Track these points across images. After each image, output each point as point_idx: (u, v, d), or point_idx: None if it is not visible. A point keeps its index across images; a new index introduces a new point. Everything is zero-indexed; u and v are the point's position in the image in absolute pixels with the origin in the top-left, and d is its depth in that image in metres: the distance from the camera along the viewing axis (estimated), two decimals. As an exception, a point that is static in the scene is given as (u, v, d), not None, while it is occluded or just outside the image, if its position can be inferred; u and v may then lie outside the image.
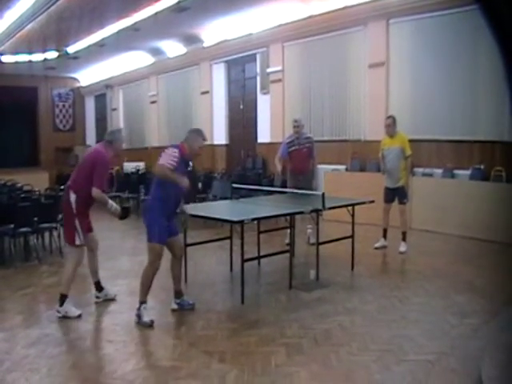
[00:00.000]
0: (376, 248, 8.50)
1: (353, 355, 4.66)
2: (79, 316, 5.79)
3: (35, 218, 8.56)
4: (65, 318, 5.74)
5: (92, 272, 6.43)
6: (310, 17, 13.45)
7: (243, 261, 6.11)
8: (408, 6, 11.33)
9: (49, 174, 20.10)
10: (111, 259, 8.57)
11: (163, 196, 5.55)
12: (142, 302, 5.61)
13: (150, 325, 5.47)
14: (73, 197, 5.79)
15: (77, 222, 5.83)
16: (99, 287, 6.44)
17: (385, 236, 8.81)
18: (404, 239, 8.63)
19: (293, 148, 8.96)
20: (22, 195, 10.21)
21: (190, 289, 6.90)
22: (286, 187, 8.95)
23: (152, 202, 5.66)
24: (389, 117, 8.93)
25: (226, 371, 4.38)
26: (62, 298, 5.83)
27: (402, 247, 8.58)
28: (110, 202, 6.01)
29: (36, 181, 14.36)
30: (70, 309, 5.81)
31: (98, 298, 6.41)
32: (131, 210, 6.10)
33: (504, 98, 9.60)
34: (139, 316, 5.54)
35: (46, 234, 9.34)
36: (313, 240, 8.73)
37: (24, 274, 7.82)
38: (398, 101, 12.09)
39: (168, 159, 5.42)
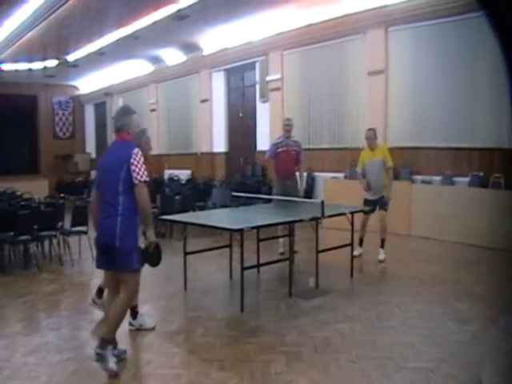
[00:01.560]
0: (355, 256, 7.96)
1: (353, 363, 4.65)
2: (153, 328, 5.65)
3: (35, 226, 8.57)
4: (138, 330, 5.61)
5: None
6: (309, 25, 13.52)
7: (243, 269, 6.11)
8: (407, 13, 11.39)
9: (48, 182, 20.10)
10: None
11: (134, 207, 4.56)
12: (111, 341, 4.62)
13: (116, 373, 4.46)
14: None
15: None
16: (134, 313, 5.69)
17: (361, 244, 8.72)
18: (382, 246, 8.58)
19: (281, 149, 8.88)
20: (22, 203, 10.25)
21: (189, 296, 6.92)
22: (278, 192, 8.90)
23: (126, 216, 4.55)
24: (370, 129, 8.64)
25: (226, 379, 4.37)
26: (133, 310, 5.60)
27: (381, 255, 8.52)
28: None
29: (36, 188, 14.36)
30: (145, 321, 5.68)
31: (131, 325, 5.65)
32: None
33: (503, 105, 9.66)
34: (102, 358, 4.45)
35: (46, 242, 9.34)
36: (282, 249, 8.84)
37: (24, 282, 7.81)
38: (397, 108, 12.13)
39: (143, 171, 4.52)
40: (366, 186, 8.48)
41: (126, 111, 4.90)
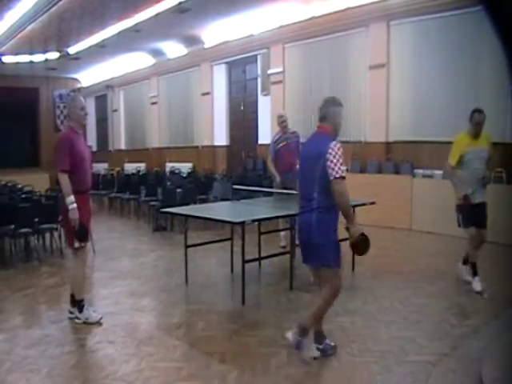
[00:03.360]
0: (478, 293, 6.47)
1: (353, 356, 4.65)
2: (100, 321, 5.66)
3: (36, 219, 8.58)
4: (85, 323, 5.62)
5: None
6: (311, 18, 13.48)
7: (244, 262, 6.11)
8: (409, 7, 11.35)
9: (49, 175, 20.04)
10: (111, 260, 8.58)
11: (330, 203, 4.38)
12: (319, 333, 4.71)
13: (311, 360, 4.56)
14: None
15: None
16: (75, 301, 5.77)
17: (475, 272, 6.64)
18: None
19: (281, 144, 8.86)
20: (23, 196, 10.24)
21: (190, 289, 6.92)
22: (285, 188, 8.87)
23: (321, 212, 4.42)
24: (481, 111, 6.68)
25: (227, 372, 4.37)
26: (80, 304, 5.68)
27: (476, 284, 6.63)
28: (71, 198, 5.35)
29: (36, 181, 14.35)
30: (91, 314, 5.68)
31: (71, 313, 5.77)
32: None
33: (505, 99, 9.63)
34: (300, 344, 4.52)
35: (47, 235, 9.36)
36: (283, 243, 8.83)
37: (24, 275, 7.82)
38: (398, 102, 12.10)
39: (340, 166, 4.29)
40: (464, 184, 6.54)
41: (332, 102, 4.82)
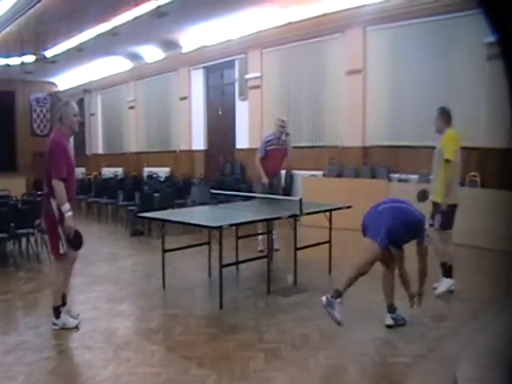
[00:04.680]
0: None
1: (330, 359, 4.70)
2: (77, 326, 5.62)
3: (12, 224, 8.49)
4: (62, 329, 5.57)
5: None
6: (288, 24, 13.59)
7: (221, 266, 6.14)
8: (385, 13, 11.51)
9: (26, 180, 19.87)
10: (88, 265, 8.52)
11: None
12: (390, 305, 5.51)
13: (339, 323, 5.10)
14: (54, 203, 5.40)
15: (60, 230, 5.45)
16: (58, 312, 5.66)
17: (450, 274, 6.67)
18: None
19: (272, 147, 8.91)
20: (-1, 200, 10.12)
21: (168, 294, 6.92)
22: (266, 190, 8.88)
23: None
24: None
25: (205, 376, 4.38)
26: (57, 310, 5.61)
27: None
28: (66, 205, 5.35)
29: (13, 186, 14.18)
30: (68, 320, 5.62)
31: (55, 325, 5.63)
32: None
33: (480, 104, 9.80)
34: (331, 304, 5.13)
35: (23, 240, 9.25)
36: (261, 247, 8.86)
37: (1, 281, 7.74)
38: (375, 107, 12.24)
39: None
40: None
41: None
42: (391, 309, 5.50)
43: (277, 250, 8.82)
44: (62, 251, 5.51)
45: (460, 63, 10.41)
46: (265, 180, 8.82)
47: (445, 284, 6.53)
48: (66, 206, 5.34)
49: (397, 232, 5.27)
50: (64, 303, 5.74)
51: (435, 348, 4.92)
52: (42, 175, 5.70)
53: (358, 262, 5.30)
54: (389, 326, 5.39)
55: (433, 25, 10.87)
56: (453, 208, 6.55)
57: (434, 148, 6.78)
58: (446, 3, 10.38)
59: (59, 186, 5.31)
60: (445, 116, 6.60)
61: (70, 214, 5.36)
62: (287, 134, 8.99)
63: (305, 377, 4.39)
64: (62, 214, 5.39)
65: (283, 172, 9.86)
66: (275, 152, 8.90)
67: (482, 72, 9.77)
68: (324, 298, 5.18)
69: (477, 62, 9.92)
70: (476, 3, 2.59)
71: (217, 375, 4.40)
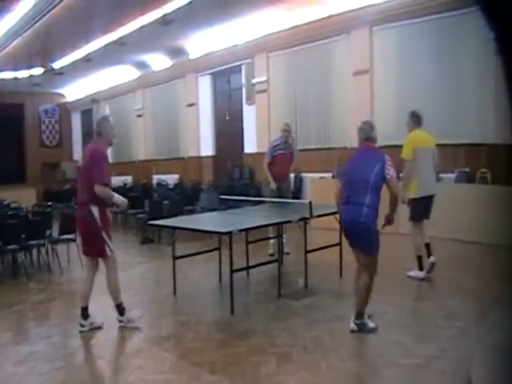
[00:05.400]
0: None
1: (342, 361, 4.67)
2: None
3: (23, 235, 8.53)
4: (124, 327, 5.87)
5: (84, 296, 5.93)
6: (294, 27, 13.56)
7: (232, 271, 6.13)
8: (390, 13, 11.46)
9: (36, 191, 19.97)
10: (99, 273, 8.51)
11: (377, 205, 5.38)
12: (361, 313, 5.33)
13: (376, 329, 5.29)
14: (95, 210, 5.63)
15: (104, 234, 5.72)
16: (86, 314, 5.88)
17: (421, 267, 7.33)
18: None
19: (278, 152, 8.94)
20: (9, 212, 10.17)
21: (179, 301, 6.91)
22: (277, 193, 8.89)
23: (372, 212, 5.32)
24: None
25: (217, 382, 4.37)
26: (120, 308, 5.94)
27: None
28: (116, 195, 5.78)
29: (23, 197, 14.29)
30: (134, 316, 6.00)
31: (83, 326, 5.82)
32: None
33: (489, 101, 9.73)
34: (362, 325, 5.27)
35: (34, 251, 9.28)
36: (271, 251, 8.84)
37: (12, 291, 7.78)
38: (382, 107, 12.18)
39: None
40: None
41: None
42: (360, 315, 5.36)
43: (287, 253, 8.79)
44: (109, 253, 5.81)
45: (468, 60, 10.32)
46: (272, 185, 8.85)
47: (417, 274, 7.21)
48: (116, 196, 5.74)
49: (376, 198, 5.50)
50: (86, 306, 5.89)
51: (448, 348, 4.88)
52: (78, 186, 6.05)
53: (367, 280, 5.29)
54: (353, 331, 5.32)
55: (439, 22, 10.79)
56: (422, 201, 7.20)
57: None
58: (452, 0, 10.32)
59: (103, 189, 5.58)
60: (414, 119, 7.40)
61: (122, 198, 5.81)
62: (291, 144, 9.03)
63: (317, 380, 4.36)
64: (104, 219, 5.71)
65: (292, 176, 9.81)
66: (282, 156, 8.93)
67: (490, 67, 9.69)
68: (352, 326, 5.30)
69: (485, 57, 9.84)
70: (474, 1, 2.57)
71: (229, 381, 4.39)
